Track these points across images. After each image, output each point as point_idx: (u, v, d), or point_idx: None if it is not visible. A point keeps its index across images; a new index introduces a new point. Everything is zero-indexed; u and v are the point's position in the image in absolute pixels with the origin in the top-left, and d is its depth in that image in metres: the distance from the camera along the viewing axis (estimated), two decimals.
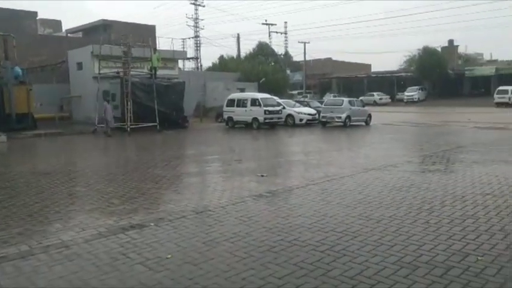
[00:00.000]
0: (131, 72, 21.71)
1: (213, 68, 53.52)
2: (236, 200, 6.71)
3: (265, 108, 21.63)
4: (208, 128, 23.54)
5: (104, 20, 35.54)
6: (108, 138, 18.59)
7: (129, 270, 4.10)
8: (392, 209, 6.05)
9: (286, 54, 61.76)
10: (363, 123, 22.83)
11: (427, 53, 51.53)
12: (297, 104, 25.51)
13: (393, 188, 7.33)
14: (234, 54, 58.58)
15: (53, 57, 26.86)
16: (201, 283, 3.79)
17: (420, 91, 50.06)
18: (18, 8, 31.42)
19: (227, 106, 23.42)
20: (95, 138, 19.05)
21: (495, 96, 39.95)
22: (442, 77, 51.00)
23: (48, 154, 14.56)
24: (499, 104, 38.57)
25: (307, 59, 56.18)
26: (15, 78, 21.40)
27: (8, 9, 29.77)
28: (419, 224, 5.31)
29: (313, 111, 23.88)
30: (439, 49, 55.35)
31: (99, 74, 22.47)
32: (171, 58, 28.56)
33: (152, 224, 5.54)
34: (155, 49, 24.09)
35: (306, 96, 45.63)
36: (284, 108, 23.21)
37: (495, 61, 55.69)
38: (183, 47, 56.04)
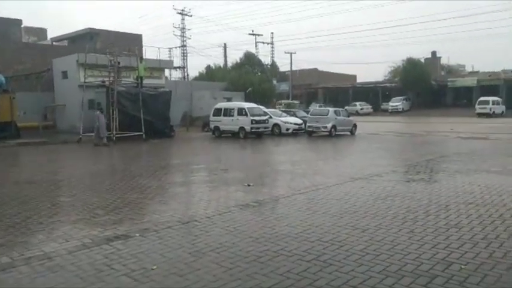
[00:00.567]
0: (117, 81, 21.59)
1: (200, 78, 53.59)
2: (222, 210, 6.69)
3: (251, 118, 21.69)
4: (195, 137, 23.47)
5: (90, 29, 35.37)
6: (94, 148, 18.38)
7: (113, 282, 4.04)
8: (378, 218, 6.10)
9: (273, 64, 62.17)
10: (348, 133, 23.05)
11: (411, 64, 52.55)
12: (284, 114, 25.67)
13: (378, 198, 7.40)
14: (221, 63, 58.87)
15: (37, 66, 26.57)
16: None
17: (404, 101, 50.86)
18: (2, 16, 31.08)
19: (214, 115, 23.41)
20: (80, 148, 18.83)
21: (476, 106, 40.78)
22: (426, 87, 51.94)
23: (32, 163, 14.32)
24: (480, 115, 39.39)
25: (293, 69, 56.63)
26: None
27: None
28: (404, 233, 5.36)
29: (299, 120, 24.07)
30: (423, 60, 56.49)
31: (85, 82, 22.29)
32: (158, 67, 28.53)
33: (137, 234, 5.48)
34: (141, 58, 24.03)
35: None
36: (271, 117, 23.32)
37: (477, 72, 56.90)
38: (170, 56, 56.06)
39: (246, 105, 23.64)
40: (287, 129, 23.37)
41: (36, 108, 24.84)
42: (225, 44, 60.30)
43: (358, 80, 65.58)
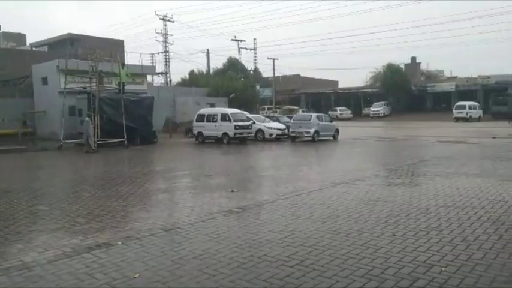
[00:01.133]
0: (99, 87, 21.34)
1: (183, 83, 53.40)
2: (206, 217, 6.66)
3: (235, 123, 21.69)
4: (178, 143, 23.33)
5: (70, 34, 34.99)
6: (75, 155, 18.10)
7: None
8: (360, 222, 6.16)
9: (256, 70, 62.35)
10: (331, 138, 23.25)
11: (391, 70, 53.51)
12: (267, 119, 25.75)
13: (361, 202, 7.48)
14: (204, 69, 58.75)
15: (16, 72, 26.08)
16: None
17: (385, 106, 51.66)
18: None
19: (197, 121, 23.34)
20: (61, 155, 18.52)
21: (454, 111, 41.64)
22: (406, 92, 52.91)
23: (10, 171, 14.00)
24: (458, 119, 40.24)
25: (276, 75, 56.92)
26: None
27: None
28: (386, 237, 5.43)
29: (282, 126, 24.16)
30: (403, 66, 57.54)
31: (65, 89, 21.96)
32: (140, 73, 28.34)
33: (119, 242, 5.41)
34: (123, 64, 23.82)
35: (276, 112, 46.10)
36: (254, 123, 23.36)
37: (455, 78, 58.27)
38: (152, 62, 55.73)
39: (230, 110, 23.63)
40: (270, 135, 23.44)
41: (15, 115, 24.36)
42: (208, 50, 60.24)
43: (340, 86, 66.40)
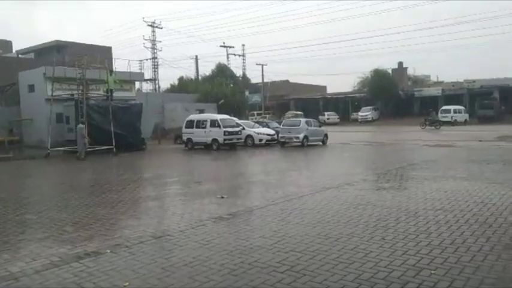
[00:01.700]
0: (87, 94, 21.19)
1: (172, 90, 53.29)
2: (196, 224, 6.63)
3: (224, 129, 21.68)
4: (167, 150, 23.23)
5: (57, 41, 34.74)
6: (63, 162, 17.91)
7: None
8: (350, 227, 6.19)
9: (244, 76, 62.50)
10: (320, 143, 23.35)
11: (379, 75, 54.08)
12: (256, 125, 25.79)
13: (350, 206, 7.52)
14: (193, 75, 58.73)
15: (2, 79, 25.82)
16: None
17: (373, 111, 52.11)
18: None
19: (186, 127, 23.28)
20: (48, 163, 18.29)
21: (439, 115, 42.09)
22: (394, 97, 53.44)
23: None
24: (444, 123, 40.69)
25: (265, 81, 57.13)
26: None
27: None
28: (376, 241, 5.46)
29: (272, 131, 24.22)
30: (390, 71, 58.17)
31: (52, 96, 21.75)
32: (128, 80, 28.21)
33: (108, 251, 5.36)
34: (111, 71, 23.70)
35: (265, 117, 46.24)
36: (243, 129, 23.38)
37: (441, 82, 59.12)
38: (141, 69, 55.53)
39: (219, 116, 23.63)
40: (260, 140, 23.47)
41: (1, 123, 24.05)
42: (196, 56, 60.26)
43: (329, 91, 66.86)
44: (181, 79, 57.02)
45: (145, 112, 24.37)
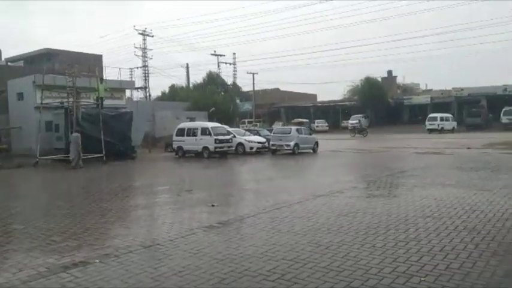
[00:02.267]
0: (77, 103, 21.05)
1: (163, 98, 53.21)
2: (186, 232, 6.58)
3: (215, 137, 21.64)
4: (157, 158, 23.11)
5: (47, 49, 34.54)
6: (52, 171, 17.70)
7: None
8: (341, 234, 6.20)
9: (235, 84, 62.68)
10: (311, 151, 23.41)
11: (369, 83, 54.66)
12: (247, 133, 25.79)
13: (340, 214, 7.53)
14: (184, 83, 58.74)
15: None
16: None
17: (363, 119, 52.44)
18: None
19: (177, 135, 23.19)
20: (36, 172, 18.07)
21: (427, 123, 42.48)
22: (383, 105, 53.96)
23: None
24: (431, 130, 41.08)
25: (256, 89, 57.34)
26: None
27: None
28: (366, 249, 5.47)
29: (262, 139, 24.23)
30: (380, 79, 58.79)
31: (42, 104, 21.56)
32: (119, 88, 28.10)
33: (97, 260, 5.29)
34: (102, 79, 23.59)
35: (256, 125, 46.33)
36: (234, 136, 23.37)
37: (430, 90, 59.81)
38: (131, 77, 55.33)
39: (210, 124, 23.60)
40: (251, 148, 23.46)
41: None
42: (187, 64, 60.31)
43: (319, 99, 67.31)
44: (172, 87, 57.04)
45: (135, 120, 24.23)
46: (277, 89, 65.72)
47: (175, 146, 23.19)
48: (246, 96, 62.20)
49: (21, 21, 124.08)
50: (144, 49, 56.83)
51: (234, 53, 62.52)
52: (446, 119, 43.09)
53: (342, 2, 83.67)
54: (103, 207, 9.03)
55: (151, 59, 57.95)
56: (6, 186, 14.33)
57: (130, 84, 35.01)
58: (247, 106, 59.06)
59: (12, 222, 8.03)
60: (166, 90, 56.96)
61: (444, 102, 50.63)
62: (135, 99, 47.81)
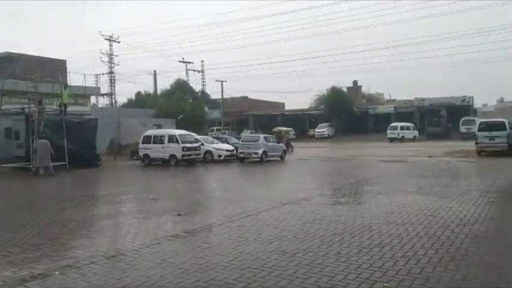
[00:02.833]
0: (39, 109, 20.36)
1: (129, 104, 52.27)
2: (150, 242, 6.46)
3: (183, 145, 21.45)
4: (123, 166, 22.64)
5: (8, 53, 33.17)
6: (10, 179, 16.98)
7: None
8: (306, 242, 6.25)
9: (204, 91, 62.44)
10: (279, 158, 23.59)
11: (335, 93, 55.88)
12: (215, 140, 25.71)
13: (307, 221, 7.61)
14: (151, 90, 57.97)
15: None
16: None
17: (330, 128, 53.47)
18: None
19: (143, 143, 22.84)
20: None
21: (388, 132, 43.73)
22: (349, 114, 55.20)
23: None
24: (392, 139, 42.29)
25: (224, 97, 57.33)
26: None
27: None
28: (332, 255, 5.54)
29: (231, 147, 24.22)
30: (345, 89, 60.19)
31: (1, 110, 20.71)
32: (83, 94, 27.43)
33: (57, 272, 5.11)
34: (66, 84, 22.96)
35: (225, 133, 46.26)
36: (202, 144, 23.24)
37: (394, 100, 61.69)
38: (97, 83, 54.05)
39: (177, 132, 23.40)
40: (219, 156, 23.39)
41: None
42: (154, 71, 59.68)
43: (287, 108, 68.02)
44: (138, 94, 56.16)
45: (100, 127, 23.68)
46: (246, 97, 65.94)
47: (141, 153, 22.81)
48: (214, 104, 62.07)
49: None
50: (110, 55, 55.85)
51: (202, 61, 62.51)
52: (407, 128, 44.42)
53: (307, 13, 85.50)
54: (65, 217, 8.74)
55: (118, 65, 57.05)
56: None
57: (96, 91, 34.26)
58: (215, 114, 58.92)
59: None
60: (133, 96, 56.04)
61: (407, 112, 52.32)
62: (100, 105, 46.81)
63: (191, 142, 22.33)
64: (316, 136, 51.80)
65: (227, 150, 23.80)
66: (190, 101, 51.64)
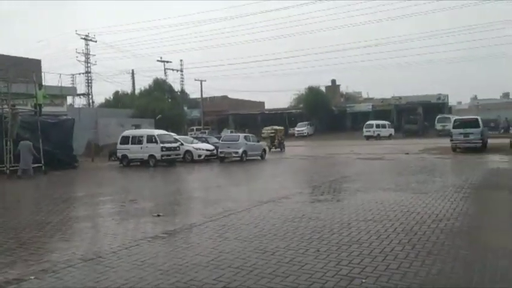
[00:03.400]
0: (13, 109, 19.82)
1: (107, 105, 51.47)
2: (129, 244, 6.38)
3: (162, 145, 21.25)
4: (101, 167, 22.28)
5: None
6: None
7: None
8: (286, 240, 6.29)
9: (183, 91, 61.94)
10: (259, 158, 23.63)
11: (313, 92, 56.35)
12: (195, 140, 25.57)
13: (286, 220, 7.64)
14: (129, 90, 57.17)
15: None
16: None
17: (309, 126, 53.87)
18: None
19: (121, 143, 22.53)
20: None
21: (364, 130, 44.40)
22: (327, 113, 55.74)
23: None
24: (368, 137, 42.93)
25: (204, 96, 57.05)
26: None
27: None
28: (311, 253, 5.59)
29: (211, 147, 24.13)
30: (324, 88, 60.70)
31: None
32: (59, 94, 26.90)
33: (32, 277, 4.99)
34: (40, 84, 22.42)
35: (205, 132, 46.04)
36: (182, 144, 23.07)
37: (371, 99, 62.61)
38: (73, 83, 52.97)
39: (156, 132, 23.17)
40: (199, 156, 23.26)
41: None
42: (132, 70, 58.70)
43: (267, 107, 68.20)
44: (116, 94, 55.30)
45: (77, 128, 23.25)
46: (226, 97, 65.80)
47: (119, 154, 22.50)
48: (194, 104, 61.67)
49: None
50: (87, 54, 54.71)
51: (181, 60, 61.68)
52: (383, 126, 45.13)
53: (281, 13, 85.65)
54: (41, 220, 8.54)
55: (94, 64, 55.92)
56: None
57: (72, 91, 33.67)
58: (195, 113, 58.58)
59: None
60: (111, 96, 55.16)
61: (384, 110, 53.16)
62: (77, 106, 45.90)
63: (170, 142, 22.14)
64: (296, 135, 52.11)
65: (207, 150, 23.69)
66: (169, 100, 51.18)
